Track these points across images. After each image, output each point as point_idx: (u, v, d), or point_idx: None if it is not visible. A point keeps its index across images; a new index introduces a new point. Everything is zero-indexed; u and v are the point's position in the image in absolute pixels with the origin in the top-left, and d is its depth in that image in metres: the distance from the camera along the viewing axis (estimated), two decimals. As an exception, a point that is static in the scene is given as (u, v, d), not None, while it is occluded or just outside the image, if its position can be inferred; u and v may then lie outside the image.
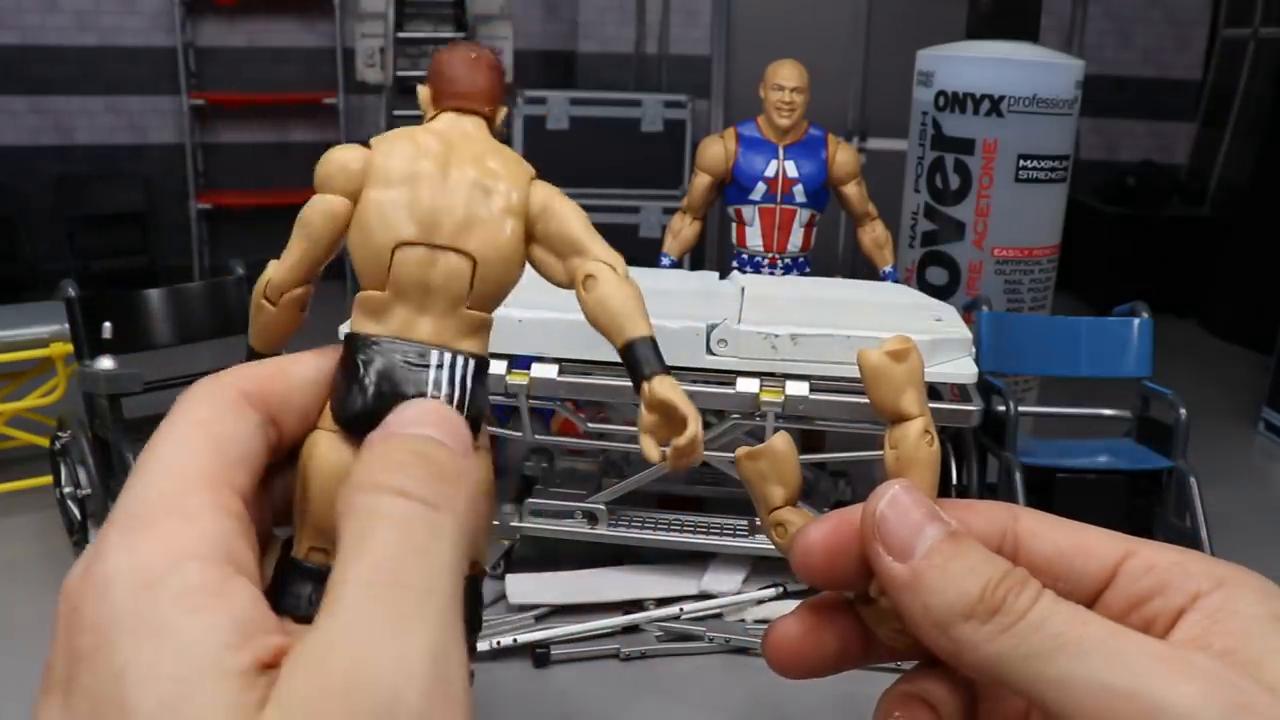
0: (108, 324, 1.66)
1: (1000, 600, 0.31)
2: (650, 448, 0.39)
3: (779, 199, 1.88)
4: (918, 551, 0.33)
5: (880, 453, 1.49)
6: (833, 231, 3.41)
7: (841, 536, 0.36)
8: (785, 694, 1.44)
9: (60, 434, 1.73)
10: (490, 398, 1.62)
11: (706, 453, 1.65)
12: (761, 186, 1.88)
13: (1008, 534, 0.36)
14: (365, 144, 0.39)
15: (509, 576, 1.63)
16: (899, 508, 0.34)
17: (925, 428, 0.37)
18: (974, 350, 1.53)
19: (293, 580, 0.33)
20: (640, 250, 3.69)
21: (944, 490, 1.79)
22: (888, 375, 0.37)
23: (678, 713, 1.38)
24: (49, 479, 1.80)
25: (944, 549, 0.33)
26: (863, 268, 2.03)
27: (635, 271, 1.80)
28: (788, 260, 1.92)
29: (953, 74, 1.95)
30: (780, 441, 0.39)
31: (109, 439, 1.64)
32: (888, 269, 1.96)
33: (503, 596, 1.64)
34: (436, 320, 0.36)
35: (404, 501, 0.28)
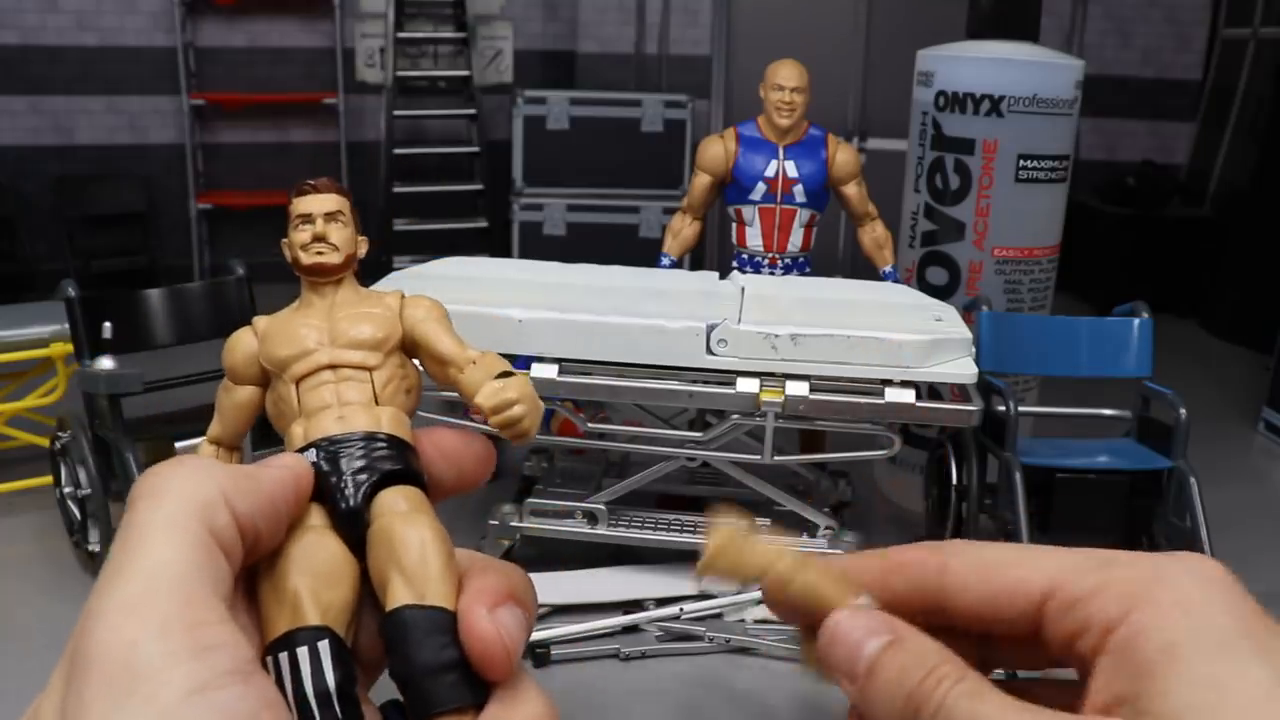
0: (108, 324, 1.65)
1: (921, 700, 0.32)
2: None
3: (779, 199, 1.88)
4: (859, 673, 0.34)
5: (881, 452, 1.49)
6: (833, 231, 3.41)
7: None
8: (785, 694, 1.44)
9: (60, 434, 1.73)
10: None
11: (707, 453, 1.66)
12: (761, 186, 1.88)
13: (931, 592, 0.36)
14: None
15: (509, 576, 1.64)
16: (836, 638, 0.35)
17: (782, 570, 0.37)
18: (974, 350, 1.52)
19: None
20: (640, 250, 3.69)
21: (944, 491, 1.80)
22: (726, 564, 0.37)
23: (678, 713, 1.38)
24: (49, 479, 1.80)
25: (881, 661, 0.34)
26: (863, 268, 2.03)
27: (635, 271, 1.80)
28: (788, 260, 1.92)
29: (953, 74, 1.95)
30: (723, 532, 0.37)
31: (109, 439, 1.64)
32: (888, 269, 1.96)
33: (503, 596, 1.64)
34: None
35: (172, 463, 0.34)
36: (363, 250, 0.43)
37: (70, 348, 1.75)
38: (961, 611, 0.36)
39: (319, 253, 0.42)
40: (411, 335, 0.42)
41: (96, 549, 1.68)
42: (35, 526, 1.86)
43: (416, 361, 0.43)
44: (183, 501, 0.31)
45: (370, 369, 0.40)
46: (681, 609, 1.57)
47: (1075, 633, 0.33)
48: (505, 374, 0.40)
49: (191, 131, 4.17)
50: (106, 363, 1.63)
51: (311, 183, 0.43)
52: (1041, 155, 1.93)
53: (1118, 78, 4.51)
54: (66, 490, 1.72)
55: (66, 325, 1.71)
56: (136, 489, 0.32)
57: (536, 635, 1.52)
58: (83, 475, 1.67)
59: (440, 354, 0.42)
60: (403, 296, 0.43)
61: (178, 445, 1.63)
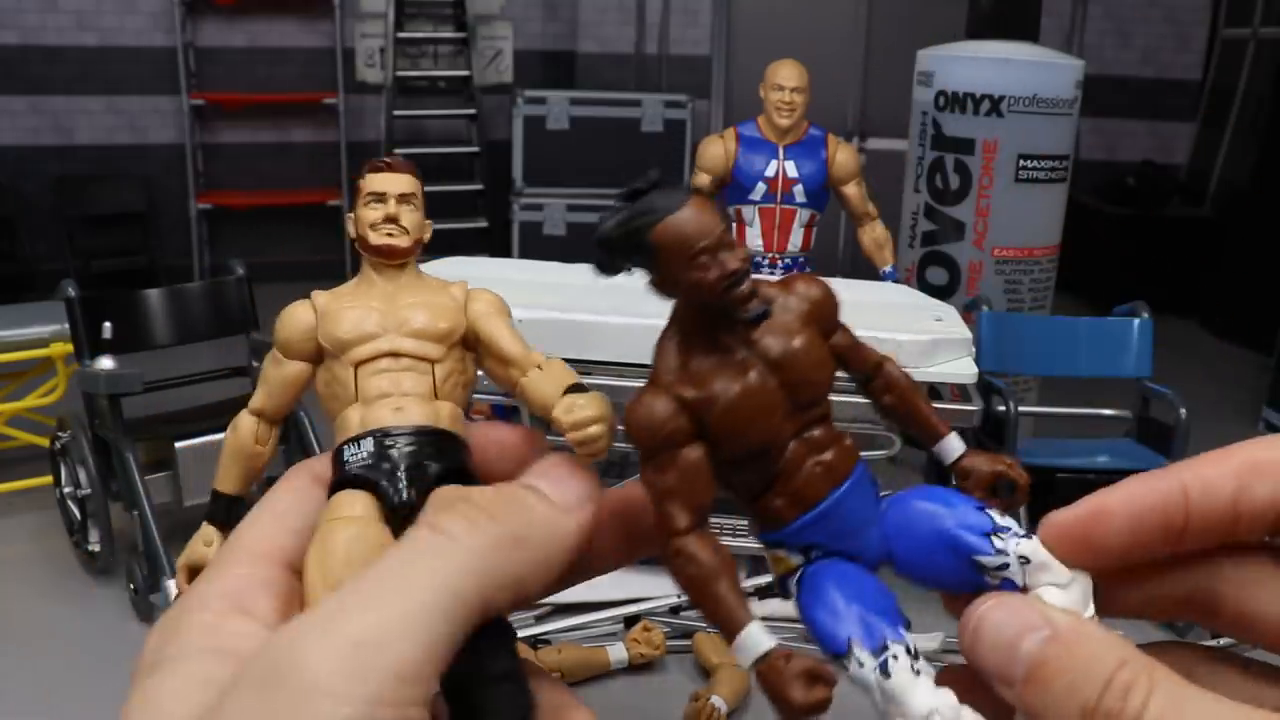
0: (108, 324, 1.66)
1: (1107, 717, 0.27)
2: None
3: (779, 199, 1.88)
4: (1017, 677, 0.29)
5: (881, 452, 1.49)
6: (833, 231, 3.41)
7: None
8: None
9: (60, 434, 1.73)
10: (491, 398, 1.62)
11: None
12: (761, 186, 1.88)
13: (1174, 509, 0.31)
14: None
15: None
16: (982, 633, 0.30)
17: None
18: (974, 350, 1.53)
19: None
20: (640, 250, 3.67)
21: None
22: None
23: (678, 713, 1.38)
24: (49, 479, 1.80)
25: (1044, 664, 0.29)
26: (863, 268, 2.03)
27: (635, 271, 1.78)
28: (788, 260, 1.92)
29: (953, 74, 1.95)
30: None
31: (109, 439, 1.64)
32: (888, 269, 1.96)
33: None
34: None
35: (426, 531, 0.31)
36: (428, 235, 0.42)
37: (70, 348, 1.75)
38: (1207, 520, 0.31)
39: (389, 234, 0.40)
40: (474, 329, 0.41)
41: (96, 549, 1.68)
42: (35, 526, 1.85)
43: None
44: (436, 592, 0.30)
45: (433, 361, 0.39)
46: (680, 595, 1.58)
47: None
48: (576, 386, 0.39)
49: (191, 131, 4.17)
50: (106, 363, 1.63)
51: (386, 160, 0.42)
52: (1041, 155, 1.93)
53: (1118, 78, 4.51)
54: (66, 490, 1.72)
55: (66, 325, 1.71)
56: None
57: (536, 630, 1.52)
58: (83, 475, 1.67)
59: (504, 353, 0.41)
60: (467, 287, 0.42)
61: (178, 445, 1.63)
